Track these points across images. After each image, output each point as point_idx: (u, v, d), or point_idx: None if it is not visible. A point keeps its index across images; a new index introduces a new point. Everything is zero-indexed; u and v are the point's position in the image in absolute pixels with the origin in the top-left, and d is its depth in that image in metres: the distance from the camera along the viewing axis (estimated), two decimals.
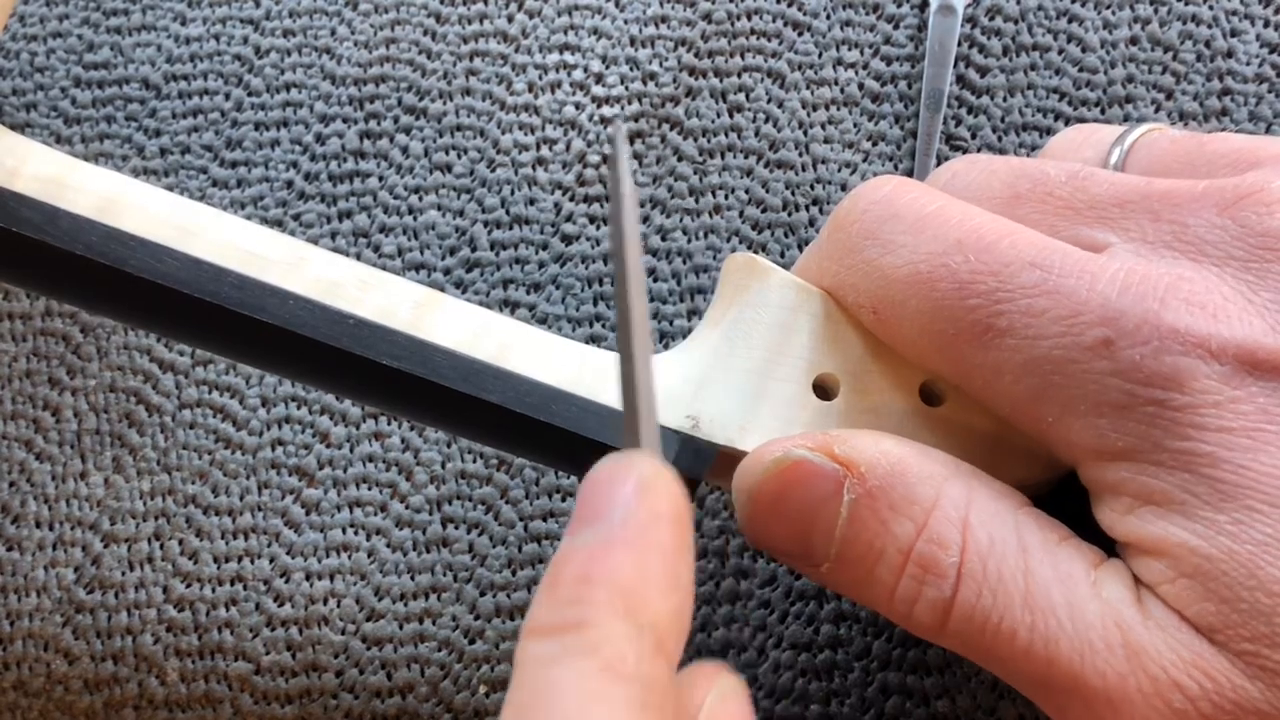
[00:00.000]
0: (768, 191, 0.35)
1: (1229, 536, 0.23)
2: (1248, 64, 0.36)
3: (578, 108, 0.37)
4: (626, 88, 0.37)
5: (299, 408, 0.34)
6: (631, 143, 0.36)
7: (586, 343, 0.34)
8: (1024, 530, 0.25)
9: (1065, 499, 0.26)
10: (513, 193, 0.36)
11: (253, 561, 0.33)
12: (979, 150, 0.36)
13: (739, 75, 0.37)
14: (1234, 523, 0.23)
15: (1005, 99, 0.36)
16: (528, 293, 0.35)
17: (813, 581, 0.31)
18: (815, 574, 0.26)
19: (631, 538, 0.20)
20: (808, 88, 0.36)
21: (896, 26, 0.37)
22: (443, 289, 0.35)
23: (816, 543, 0.25)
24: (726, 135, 0.36)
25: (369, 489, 0.34)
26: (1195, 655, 0.23)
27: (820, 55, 0.37)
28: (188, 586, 0.33)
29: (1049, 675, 0.24)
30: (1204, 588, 0.23)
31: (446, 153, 0.36)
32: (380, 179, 0.36)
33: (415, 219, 0.36)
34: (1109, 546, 0.25)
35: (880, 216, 0.27)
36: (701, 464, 0.27)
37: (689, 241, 0.35)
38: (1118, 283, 0.24)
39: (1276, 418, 0.23)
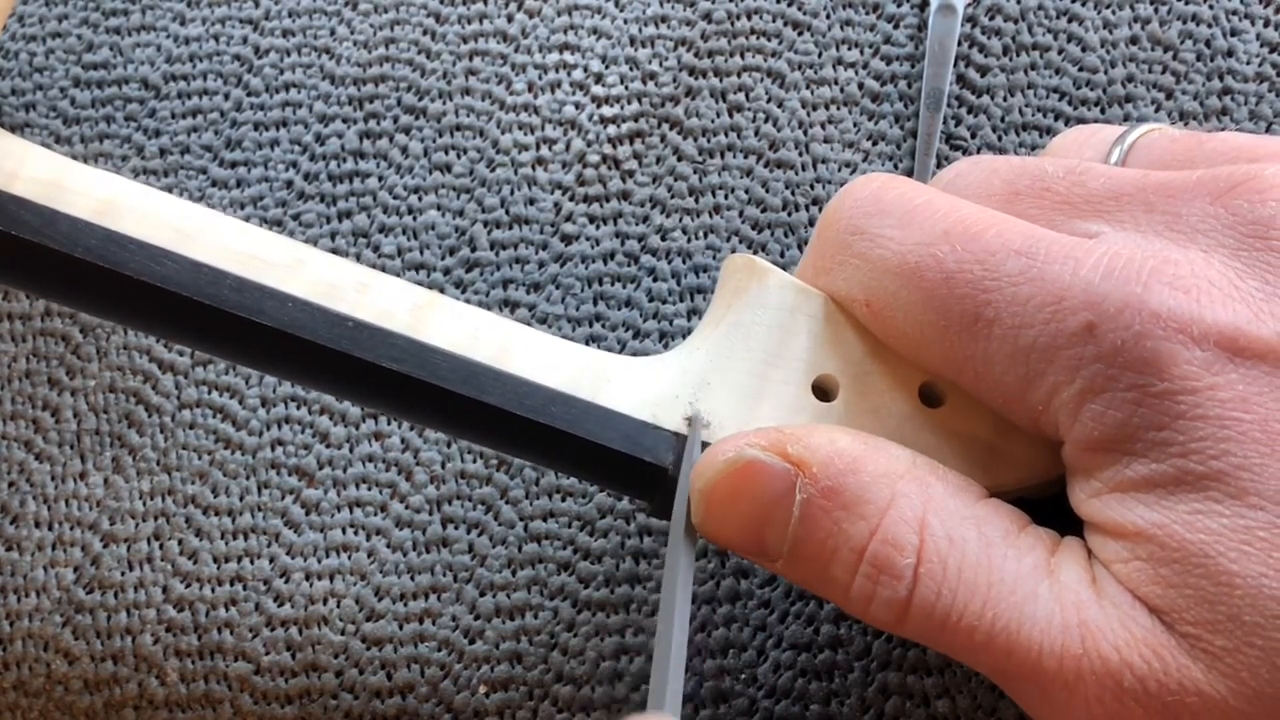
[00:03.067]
0: (768, 191, 0.35)
1: (1185, 526, 0.23)
2: (1248, 64, 0.36)
3: (577, 108, 0.36)
4: (626, 88, 0.37)
5: (298, 408, 0.34)
6: (631, 143, 0.36)
7: (586, 343, 0.34)
8: (984, 524, 0.25)
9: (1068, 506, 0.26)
10: (512, 193, 0.36)
11: (252, 562, 0.33)
12: (979, 150, 0.36)
13: (739, 75, 0.37)
14: (1192, 512, 0.23)
15: (1005, 99, 0.36)
16: (528, 293, 0.35)
17: (770, 573, 0.31)
18: (771, 568, 0.26)
19: None
20: (808, 88, 0.36)
21: (896, 26, 0.37)
22: (442, 289, 0.35)
23: (770, 540, 0.25)
24: (726, 135, 0.36)
25: (369, 489, 0.34)
26: (1145, 633, 0.23)
27: (820, 55, 0.37)
28: (187, 586, 0.33)
29: (1007, 664, 0.24)
30: (1155, 571, 0.23)
31: (446, 153, 0.36)
32: (380, 179, 0.36)
33: (415, 219, 0.36)
34: (1065, 524, 0.25)
35: (868, 211, 0.27)
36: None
37: (689, 241, 0.35)
38: (1101, 267, 0.24)
39: (1253, 405, 0.23)
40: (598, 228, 0.35)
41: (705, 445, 0.27)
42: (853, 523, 0.24)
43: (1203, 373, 0.23)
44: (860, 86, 0.36)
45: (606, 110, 0.36)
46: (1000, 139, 0.36)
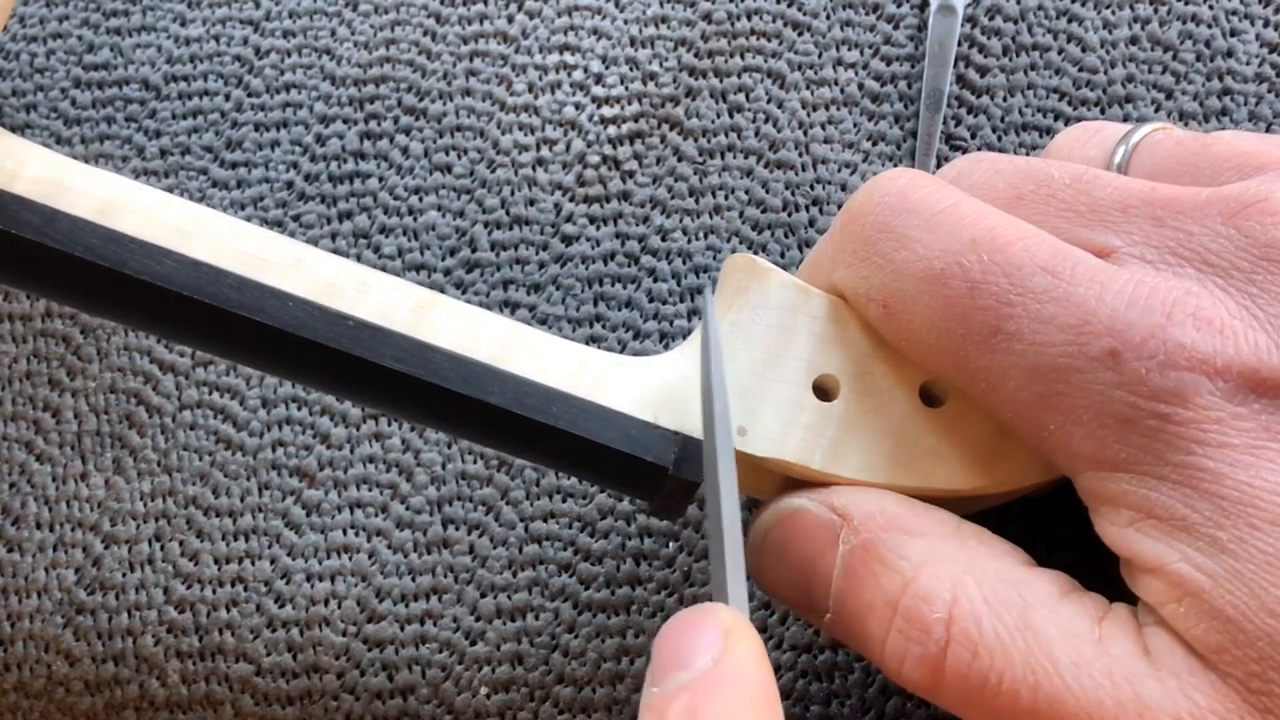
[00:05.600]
0: (768, 192, 0.35)
1: (1231, 555, 0.23)
2: (1248, 64, 0.36)
3: (578, 108, 0.36)
4: (626, 88, 0.37)
5: (299, 409, 0.34)
6: (631, 143, 0.36)
7: (586, 343, 0.34)
8: (1025, 588, 0.24)
9: (1070, 507, 0.26)
10: (513, 193, 0.36)
11: (253, 563, 0.33)
12: (979, 150, 0.36)
13: (739, 75, 0.37)
14: (1235, 541, 0.23)
15: (1005, 99, 0.36)
16: (528, 293, 0.35)
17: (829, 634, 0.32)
18: (823, 626, 0.26)
19: (730, 677, 0.21)
20: (808, 88, 0.36)
21: (896, 26, 0.37)
22: (443, 290, 0.35)
23: (817, 594, 0.26)
24: (726, 135, 0.36)
25: (369, 490, 0.34)
26: (1210, 700, 0.22)
27: (820, 55, 0.37)
28: (188, 588, 0.33)
29: None
30: (1208, 608, 0.23)
31: (446, 153, 0.36)
32: (380, 180, 0.36)
33: (415, 220, 0.36)
34: (1109, 559, 0.25)
35: (895, 210, 0.27)
36: (701, 466, 0.27)
37: (689, 241, 0.35)
38: (1126, 294, 0.24)
39: (1279, 435, 0.23)
40: (598, 228, 0.35)
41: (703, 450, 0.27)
42: (889, 577, 0.25)
43: (1225, 404, 0.23)
44: (860, 87, 0.36)
45: (607, 111, 0.36)
46: (1000, 139, 0.36)
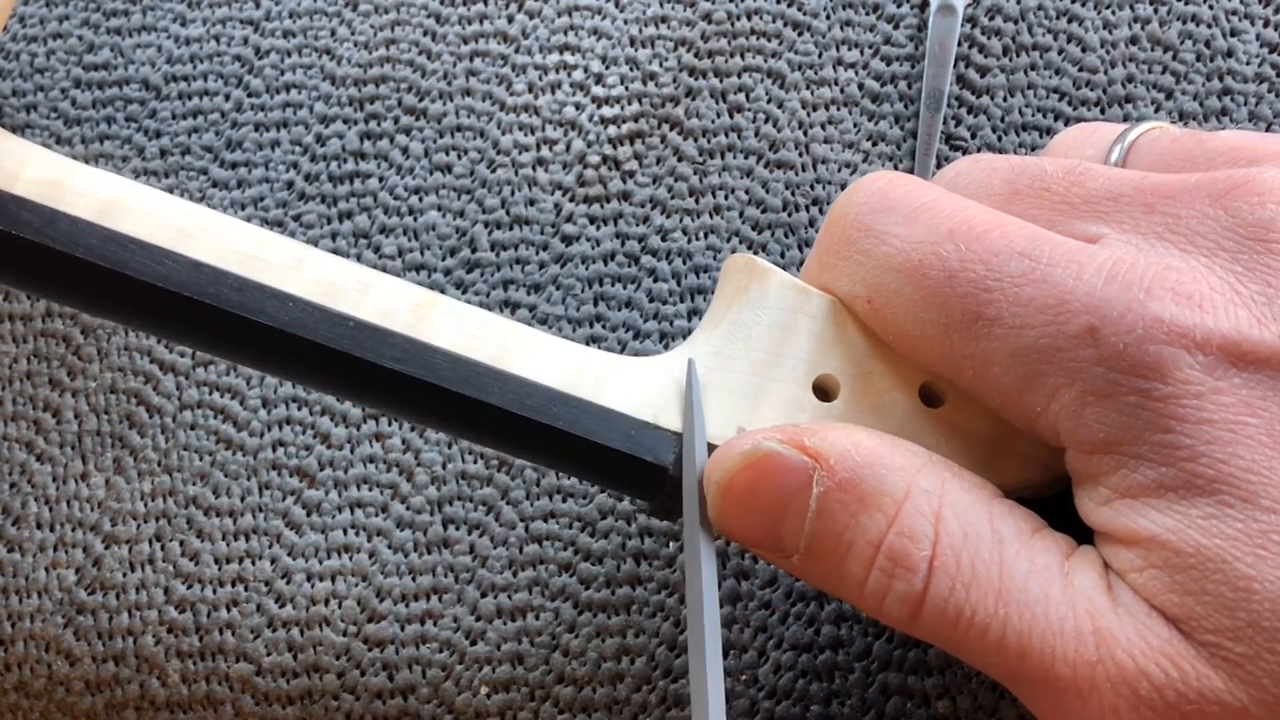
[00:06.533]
0: (768, 191, 0.35)
1: (1199, 531, 0.23)
2: (1248, 64, 0.36)
3: (578, 108, 0.37)
4: (626, 88, 0.37)
5: (300, 409, 0.34)
6: (631, 143, 0.36)
7: (586, 343, 0.34)
8: (998, 522, 0.25)
9: (1070, 507, 0.26)
10: (513, 193, 0.36)
11: (254, 563, 0.33)
12: (979, 150, 0.36)
13: (739, 75, 0.37)
14: (1205, 517, 0.23)
15: (1005, 99, 0.36)
16: (528, 293, 0.35)
17: (785, 571, 0.31)
18: (786, 565, 0.26)
19: None
20: (808, 88, 0.36)
21: (896, 26, 0.37)
22: (443, 290, 0.35)
23: (786, 535, 0.25)
24: (726, 135, 0.36)
25: (370, 490, 0.34)
26: (1163, 642, 0.23)
27: (820, 55, 0.37)
28: (189, 588, 0.33)
29: (1020, 667, 0.24)
30: (1171, 579, 0.23)
31: (447, 153, 0.36)
32: (380, 180, 0.36)
33: (415, 220, 0.36)
34: (1082, 534, 0.25)
35: (874, 208, 0.27)
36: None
37: (689, 241, 0.35)
38: (1104, 272, 0.24)
39: (1258, 410, 0.23)
40: (598, 228, 0.35)
41: (706, 445, 0.27)
42: (869, 515, 0.24)
43: (1205, 377, 0.23)
44: (860, 87, 0.36)
45: (607, 111, 0.36)
46: (1000, 139, 0.36)
